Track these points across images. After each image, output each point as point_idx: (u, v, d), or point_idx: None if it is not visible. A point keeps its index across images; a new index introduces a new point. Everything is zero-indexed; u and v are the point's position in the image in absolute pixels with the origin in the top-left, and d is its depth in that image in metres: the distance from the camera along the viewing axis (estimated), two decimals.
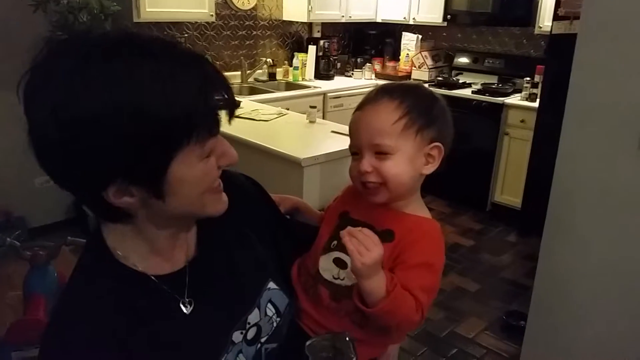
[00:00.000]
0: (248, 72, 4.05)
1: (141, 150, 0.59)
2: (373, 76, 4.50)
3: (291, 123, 2.85)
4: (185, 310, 0.73)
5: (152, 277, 0.71)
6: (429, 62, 4.35)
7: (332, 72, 4.38)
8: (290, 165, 2.26)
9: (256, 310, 0.79)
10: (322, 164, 2.27)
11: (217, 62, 3.89)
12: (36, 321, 1.77)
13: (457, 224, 3.74)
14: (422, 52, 4.37)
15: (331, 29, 4.61)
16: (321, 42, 4.32)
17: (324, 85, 4.06)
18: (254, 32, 4.14)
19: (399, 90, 0.85)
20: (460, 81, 4.17)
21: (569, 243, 1.86)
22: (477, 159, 3.83)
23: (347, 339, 0.76)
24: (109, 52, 0.58)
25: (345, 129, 0.88)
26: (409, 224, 0.84)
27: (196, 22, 3.71)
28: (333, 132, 2.58)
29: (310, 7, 3.99)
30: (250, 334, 0.78)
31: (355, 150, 0.85)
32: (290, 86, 4.13)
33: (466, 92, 3.90)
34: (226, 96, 0.65)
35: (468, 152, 3.75)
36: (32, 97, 0.59)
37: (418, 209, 0.88)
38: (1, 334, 1.84)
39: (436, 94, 0.89)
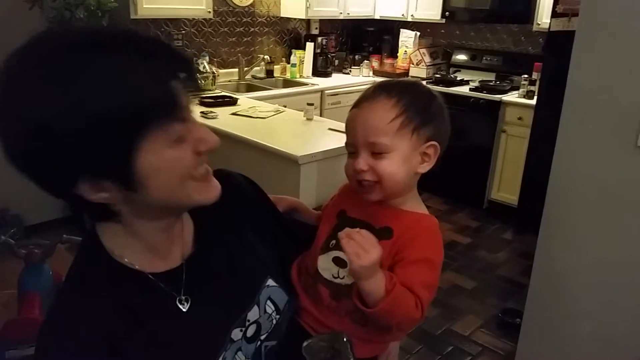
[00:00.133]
0: (245, 69, 4.04)
1: (97, 144, 0.58)
2: (371, 73, 4.49)
3: (288, 120, 2.84)
4: (182, 308, 0.72)
5: (149, 275, 0.71)
6: (427, 59, 4.34)
7: (329, 69, 4.37)
8: (288, 162, 2.25)
9: (255, 308, 0.79)
10: (319, 162, 2.26)
11: (215, 59, 3.88)
12: (31, 320, 1.76)
13: (454, 222, 3.74)
14: (420, 49, 4.36)
15: (329, 25, 4.60)
16: (319, 39, 4.31)
17: (321, 82, 4.05)
18: (252, 29, 4.13)
19: (396, 88, 0.84)
20: (458, 78, 4.16)
21: (565, 241, 1.86)
22: (474, 157, 3.83)
23: (345, 339, 0.76)
24: (61, 51, 0.59)
25: (343, 126, 0.88)
26: (407, 221, 0.84)
27: (193, 19, 3.70)
28: (330, 129, 2.58)
29: (308, 3, 3.97)
30: (250, 331, 0.78)
31: (352, 148, 0.85)
32: (287, 83, 4.12)
33: (464, 90, 3.89)
34: (188, 79, 0.64)
35: (465, 149, 3.75)
36: None
37: (415, 205, 0.88)
38: None
39: (434, 92, 0.88)
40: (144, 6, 3.13)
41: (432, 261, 0.83)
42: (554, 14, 3.18)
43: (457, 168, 3.69)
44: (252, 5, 4.05)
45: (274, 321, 0.81)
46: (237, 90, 3.83)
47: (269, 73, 4.17)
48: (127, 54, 0.59)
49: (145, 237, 0.71)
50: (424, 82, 3.58)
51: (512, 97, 3.69)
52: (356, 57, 4.67)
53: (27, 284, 1.92)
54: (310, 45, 4.21)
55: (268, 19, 4.21)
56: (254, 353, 0.78)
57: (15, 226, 2.92)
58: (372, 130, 0.81)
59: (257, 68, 4.13)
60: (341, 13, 4.26)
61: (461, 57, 4.37)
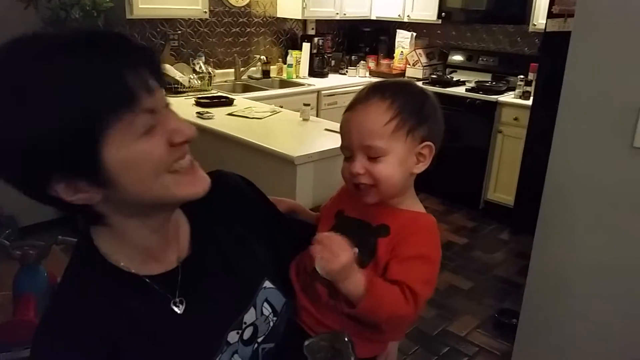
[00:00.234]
0: (242, 69, 4.03)
1: (59, 144, 0.58)
2: (367, 74, 4.49)
3: (285, 121, 2.83)
4: (177, 310, 0.72)
5: (144, 278, 0.71)
6: (423, 59, 4.35)
7: (326, 70, 4.37)
8: (284, 163, 2.25)
9: (252, 310, 0.78)
10: (315, 162, 2.26)
11: (211, 60, 3.88)
12: (26, 321, 1.75)
13: (450, 222, 3.75)
14: (417, 50, 4.36)
15: (325, 26, 4.60)
16: (315, 39, 4.31)
17: (318, 83, 4.05)
18: (248, 29, 4.12)
19: (389, 90, 0.84)
20: (454, 79, 4.17)
21: (562, 241, 1.86)
22: (471, 157, 3.83)
23: (346, 339, 0.76)
24: (13, 56, 0.59)
25: (339, 127, 0.88)
26: (404, 219, 0.84)
27: (189, 19, 3.69)
28: (327, 130, 2.57)
29: (304, 4, 3.97)
30: (247, 334, 0.77)
31: (347, 152, 0.85)
32: (284, 84, 4.12)
33: (460, 90, 3.90)
34: (151, 72, 0.63)
35: (461, 149, 3.76)
36: None
37: (413, 204, 0.88)
38: None
39: (427, 91, 0.88)
40: (140, 6, 3.12)
41: (428, 257, 0.82)
42: (550, 15, 3.19)
43: (453, 169, 3.70)
44: (248, 5, 4.05)
45: (271, 323, 0.81)
46: (234, 90, 3.82)
47: (265, 73, 4.16)
48: (80, 52, 0.59)
49: (138, 239, 0.70)
50: (420, 83, 3.58)
51: (508, 97, 3.70)
52: (353, 57, 4.67)
53: (22, 285, 1.90)
54: (306, 46, 4.21)
55: (264, 19, 4.20)
56: (251, 356, 0.78)
57: (10, 227, 2.90)
58: (367, 134, 0.81)
59: (254, 68, 4.12)
60: (337, 13, 4.26)
61: (457, 57, 4.38)
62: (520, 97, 3.64)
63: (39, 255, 1.93)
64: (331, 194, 0.98)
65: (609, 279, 1.77)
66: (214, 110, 2.87)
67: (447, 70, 4.41)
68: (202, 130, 2.66)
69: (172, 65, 3.47)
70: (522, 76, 3.69)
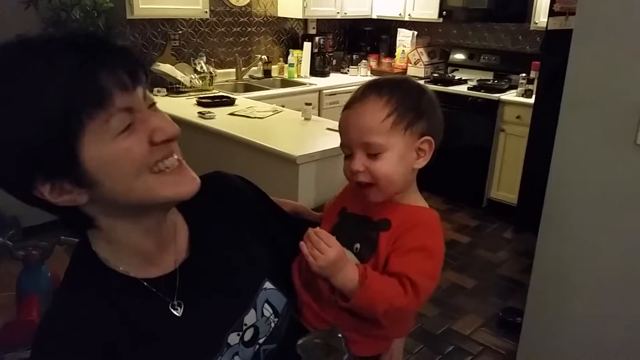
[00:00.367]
0: (243, 69, 4.03)
1: (34, 145, 0.58)
2: (369, 73, 4.49)
3: (286, 120, 2.83)
4: (176, 313, 0.72)
5: (142, 281, 0.71)
6: (425, 58, 4.34)
7: (327, 69, 4.36)
8: (286, 162, 2.25)
9: (252, 311, 0.78)
10: (317, 162, 2.26)
11: (212, 59, 3.88)
12: (30, 322, 1.75)
13: (453, 221, 3.74)
14: (418, 49, 4.36)
15: (326, 25, 4.59)
16: (316, 38, 4.31)
17: (319, 82, 4.04)
18: (249, 29, 4.12)
19: (386, 86, 0.84)
20: (456, 77, 4.16)
21: (565, 239, 1.86)
22: (473, 156, 3.82)
23: (340, 335, 0.76)
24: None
25: None
26: (406, 213, 0.84)
27: (190, 19, 3.69)
28: (328, 129, 2.57)
29: (305, 3, 3.97)
30: (247, 335, 0.77)
31: (347, 150, 0.85)
32: (285, 83, 4.11)
33: (462, 89, 3.89)
34: (129, 72, 0.62)
35: (464, 148, 3.75)
36: None
37: (415, 200, 0.88)
38: None
39: (424, 87, 0.88)
40: (140, 6, 3.12)
41: (429, 249, 0.82)
42: (551, 13, 3.18)
43: (456, 167, 3.70)
44: (249, 5, 4.04)
45: (273, 324, 0.81)
46: (235, 90, 3.82)
47: (267, 73, 4.16)
48: (55, 54, 0.59)
49: (131, 242, 0.70)
50: (422, 82, 3.58)
51: (510, 96, 3.69)
52: (354, 56, 4.66)
53: (26, 286, 1.91)
54: (307, 45, 4.21)
55: (265, 18, 4.20)
56: (253, 357, 0.77)
57: (13, 228, 2.90)
58: (365, 131, 0.81)
59: (255, 68, 4.12)
60: (338, 13, 4.25)
61: (459, 56, 4.37)
62: (522, 96, 3.63)
63: (42, 256, 1.94)
64: (333, 193, 0.98)
65: (613, 277, 1.77)
66: (215, 110, 2.86)
67: (449, 68, 4.40)
68: (204, 130, 2.66)
69: (173, 65, 3.46)
70: (524, 74, 3.68)
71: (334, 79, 4.25)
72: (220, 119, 2.73)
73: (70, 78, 0.58)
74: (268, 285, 0.82)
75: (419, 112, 0.83)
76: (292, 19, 4.31)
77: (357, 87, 0.88)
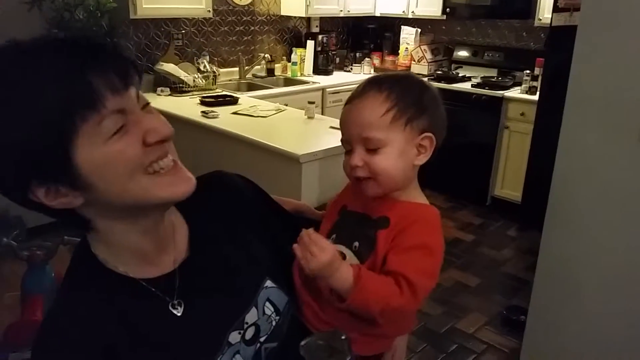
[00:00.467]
0: (246, 68, 4.02)
1: (28, 149, 0.58)
2: (372, 71, 4.48)
3: (289, 119, 2.83)
4: (176, 313, 0.72)
5: (141, 281, 0.71)
6: (428, 55, 4.33)
7: (330, 67, 4.36)
8: (289, 161, 2.24)
9: (253, 310, 0.78)
10: (320, 160, 2.25)
11: (215, 59, 3.88)
12: (34, 322, 1.76)
13: (457, 219, 3.73)
14: (422, 46, 4.34)
15: (329, 23, 4.58)
16: (319, 37, 4.30)
17: (322, 80, 4.04)
18: (252, 28, 4.12)
19: (387, 82, 0.83)
20: (460, 75, 4.14)
21: (569, 237, 1.85)
22: (477, 153, 3.81)
23: (343, 337, 0.76)
24: None
25: None
26: (405, 210, 0.84)
27: (193, 18, 3.69)
28: (332, 127, 2.56)
29: (308, 1, 3.96)
30: (249, 334, 0.77)
31: (347, 145, 0.85)
32: (288, 82, 4.11)
33: (466, 86, 3.88)
34: (120, 73, 0.62)
35: (468, 146, 3.74)
36: None
37: (415, 196, 0.87)
38: None
39: (426, 83, 0.87)
40: (144, 6, 3.13)
41: (427, 247, 0.81)
42: (556, 9, 3.16)
43: (460, 165, 3.68)
44: (251, 4, 4.04)
45: (274, 322, 0.80)
46: (238, 89, 3.82)
47: (270, 72, 4.16)
48: (46, 57, 0.60)
49: (128, 243, 0.70)
50: (426, 79, 3.56)
51: (514, 93, 3.67)
52: (357, 54, 4.65)
53: (30, 286, 1.92)
54: (310, 44, 4.20)
55: (268, 17, 4.20)
56: (254, 355, 0.77)
57: (18, 228, 2.91)
58: (364, 126, 0.81)
59: (258, 67, 4.12)
60: (341, 11, 4.24)
61: (463, 53, 4.35)
62: (526, 92, 3.61)
63: (47, 256, 1.95)
64: (337, 192, 0.98)
65: (617, 274, 1.76)
66: (218, 109, 2.86)
67: (453, 66, 4.38)
68: (207, 129, 2.67)
69: (176, 65, 3.47)
70: (528, 71, 3.66)
71: (337, 77, 4.24)
72: (224, 118, 2.73)
73: (61, 81, 0.58)
74: (269, 283, 0.82)
75: (420, 108, 0.82)
76: (295, 17, 4.31)
77: None
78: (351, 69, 4.53)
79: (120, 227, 0.68)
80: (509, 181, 3.75)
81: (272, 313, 0.80)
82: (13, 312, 1.96)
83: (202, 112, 2.79)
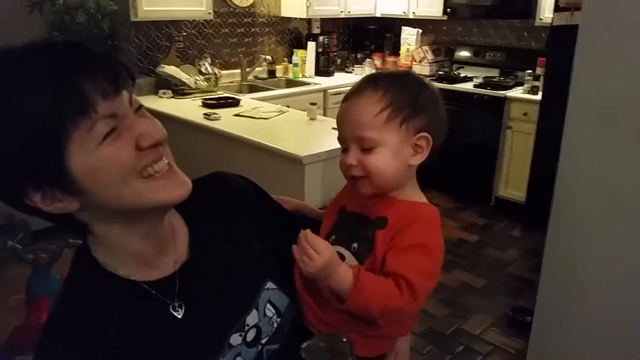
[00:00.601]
0: (247, 69, 4.03)
1: (21, 155, 0.59)
2: (373, 71, 4.47)
3: (291, 120, 2.83)
4: (177, 315, 0.72)
5: (141, 284, 0.71)
6: (430, 56, 4.32)
7: (332, 69, 4.36)
8: (291, 163, 2.24)
9: (254, 312, 0.78)
10: (323, 162, 2.25)
11: (216, 61, 3.88)
12: (39, 325, 1.75)
13: (461, 219, 3.72)
14: (423, 47, 4.34)
15: (330, 24, 4.58)
16: (320, 38, 4.30)
17: (324, 81, 4.04)
18: (253, 29, 4.12)
19: (383, 80, 0.82)
20: (462, 75, 4.14)
21: (574, 237, 1.84)
22: (480, 154, 3.80)
23: (345, 339, 0.75)
24: None
25: None
26: (403, 209, 0.83)
27: (194, 20, 3.69)
28: (334, 128, 2.53)
29: (308, 3, 3.96)
30: (250, 335, 0.77)
31: (343, 144, 0.84)
32: (290, 83, 4.11)
33: (468, 86, 3.87)
34: (107, 75, 0.62)
35: (471, 146, 3.73)
36: None
37: (413, 195, 0.86)
38: (4, 338, 1.84)
39: (424, 82, 0.86)
40: (144, 8, 3.13)
41: (426, 246, 0.80)
42: (557, 8, 3.16)
43: (463, 165, 3.68)
44: (252, 5, 4.04)
45: (275, 324, 0.80)
46: (240, 91, 3.82)
47: (271, 73, 4.16)
48: (36, 63, 0.60)
49: (127, 246, 0.70)
50: (427, 80, 3.56)
51: (516, 92, 3.66)
52: (358, 55, 4.65)
53: (35, 289, 1.92)
54: (311, 45, 4.20)
55: (269, 19, 4.20)
56: (255, 357, 0.77)
57: (22, 231, 2.92)
58: (359, 125, 0.80)
59: (259, 68, 4.12)
60: (342, 12, 4.24)
61: (464, 53, 4.35)
62: (528, 92, 3.60)
63: (51, 259, 1.95)
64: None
65: (622, 274, 1.75)
66: (220, 111, 2.86)
67: (454, 66, 4.38)
68: (210, 131, 2.66)
69: (178, 67, 3.47)
70: (529, 71, 3.65)
71: (339, 79, 4.24)
72: (226, 120, 2.73)
73: (51, 88, 0.58)
74: (270, 285, 0.81)
75: (417, 108, 0.81)
76: (295, 18, 4.31)
77: None
78: (352, 70, 4.53)
79: (118, 230, 0.68)
80: (512, 181, 3.74)
81: (274, 315, 0.80)
82: (18, 315, 1.96)
83: (204, 114, 2.79)
